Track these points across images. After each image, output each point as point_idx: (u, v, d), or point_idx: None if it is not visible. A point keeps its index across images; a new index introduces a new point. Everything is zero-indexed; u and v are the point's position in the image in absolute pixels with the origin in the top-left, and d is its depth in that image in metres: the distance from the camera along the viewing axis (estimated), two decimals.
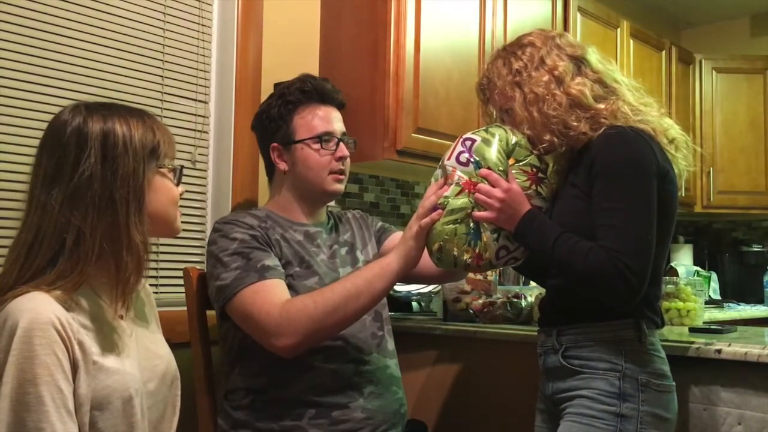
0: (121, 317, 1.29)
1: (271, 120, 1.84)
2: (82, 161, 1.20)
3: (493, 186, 1.50)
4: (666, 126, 1.55)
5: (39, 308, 1.12)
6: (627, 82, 1.59)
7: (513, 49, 1.61)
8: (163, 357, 1.37)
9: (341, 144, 1.84)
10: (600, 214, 1.44)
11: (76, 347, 1.15)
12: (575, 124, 1.49)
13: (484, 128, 1.60)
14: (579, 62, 1.56)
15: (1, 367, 1.10)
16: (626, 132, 1.47)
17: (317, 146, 1.81)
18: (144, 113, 1.32)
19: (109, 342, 1.23)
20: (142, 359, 1.30)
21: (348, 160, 1.86)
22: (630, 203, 1.42)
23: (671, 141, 1.55)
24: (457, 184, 1.53)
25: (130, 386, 1.22)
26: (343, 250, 1.88)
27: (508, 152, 1.55)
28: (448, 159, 1.57)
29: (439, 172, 1.60)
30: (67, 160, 1.21)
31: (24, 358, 1.09)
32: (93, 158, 1.20)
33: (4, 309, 1.13)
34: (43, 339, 1.11)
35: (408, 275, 1.65)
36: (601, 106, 1.50)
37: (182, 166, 1.37)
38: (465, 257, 1.53)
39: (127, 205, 1.22)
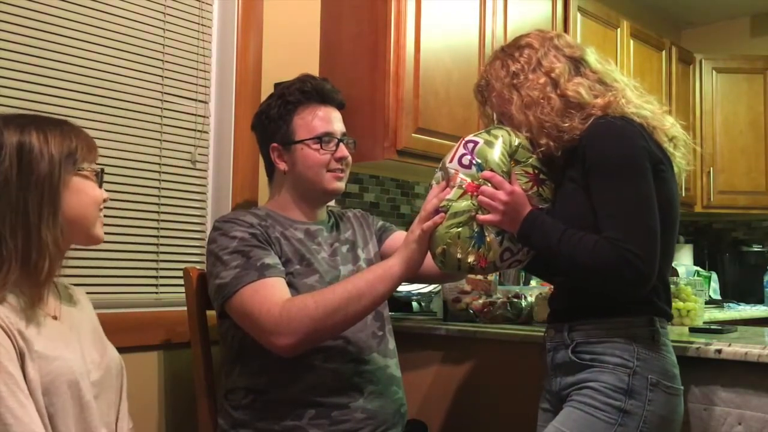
0: (56, 318, 1.33)
1: (271, 120, 1.84)
2: None
3: (497, 188, 1.50)
4: (667, 124, 1.55)
5: None
6: (627, 82, 1.59)
7: (511, 50, 1.60)
8: (103, 350, 1.41)
9: (341, 144, 1.83)
10: (599, 206, 1.44)
11: (18, 336, 1.19)
12: (567, 125, 1.49)
13: (485, 130, 1.59)
14: (577, 63, 1.56)
15: None
16: (614, 121, 1.47)
17: (317, 146, 1.81)
18: (63, 123, 1.36)
19: (45, 335, 1.26)
20: (85, 353, 1.34)
21: (349, 159, 1.86)
22: (627, 191, 1.42)
23: (671, 139, 1.55)
24: (460, 186, 1.53)
25: (74, 370, 1.26)
26: (344, 248, 1.88)
27: (511, 153, 1.54)
28: (450, 162, 1.56)
29: (439, 174, 1.59)
30: None
31: None
32: (8, 163, 1.25)
33: None
34: None
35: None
36: (597, 101, 1.50)
37: (103, 169, 1.40)
38: (469, 260, 1.52)
39: (40, 206, 1.26)
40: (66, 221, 1.30)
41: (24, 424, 1.15)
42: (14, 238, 1.24)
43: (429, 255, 1.59)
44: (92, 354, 1.36)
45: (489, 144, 1.54)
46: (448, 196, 1.53)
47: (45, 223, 1.26)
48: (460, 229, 1.52)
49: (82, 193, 1.34)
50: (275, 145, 1.84)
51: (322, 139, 1.81)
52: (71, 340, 1.33)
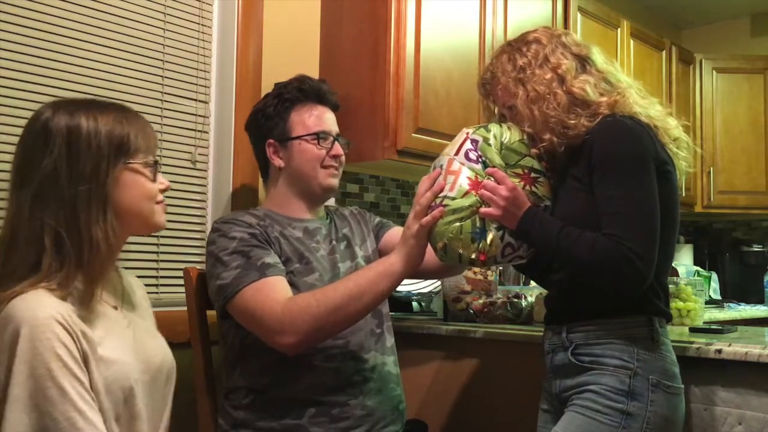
0: (116, 308, 1.29)
1: (268, 117, 1.86)
2: (46, 157, 1.20)
3: (499, 183, 1.51)
4: (671, 125, 1.56)
5: (39, 306, 1.12)
6: (630, 83, 1.59)
7: (518, 45, 1.61)
8: (160, 350, 1.36)
9: (336, 143, 1.86)
10: (602, 203, 1.44)
11: (82, 338, 1.14)
12: (573, 122, 1.49)
13: (483, 127, 1.59)
14: (584, 61, 1.57)
15: (4, 370, 1.08)
16: (622, 120, 1.48)
17: (314, 142, 1.83)
18: (118, 107, 1.29)
19: (106, 333, 1.22)
20: (139, 351, 1.29)
21: (342, 158, 1.88)
22: (631, 190, 1.43)
23: (674, 140, 1.56)
24: (461, 186, 1.53)
25: (130, 376, 1.22)
26: (342, 245, 1.89)
27: (503, 153, 1.55)
28: (456, 154, 1.57)
29: (439, 162, 1.59)
30: (34, 156, 1.21)
31: (34, 357, 1.08)
32: (56, 154, 1.19)
33: (2, 312, 1.12)
34: (49, 334, 1.10)
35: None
36: (603, 99, 1.51)
37: (156, 161, 1.32)
38: (470, 255, 1.53)
39: (89, 201, 1.20)
40: (118, 215, 1.24)
41: (97, 429, 1.12)
42: (73, 234, 1.18)
43: (428, 251, 1.59)
44: (146, 352, 1.31)
45: (487, 141, 1.56)
46: (450, 194, 1.53)
47: (94, 220, 1.20)
48: (462, 224, 1.52)
49: (133, 188, 1.27)
50: (271, 141, 1.86)
51: (319, 135, 1.83)
52: (128, 336, 1.28)
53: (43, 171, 1.19)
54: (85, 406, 1.11)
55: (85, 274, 1.21)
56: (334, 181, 1.87)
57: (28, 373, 1.08)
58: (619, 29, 3.55)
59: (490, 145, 1.55)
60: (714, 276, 4.01)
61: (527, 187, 1.54)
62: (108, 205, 1.22)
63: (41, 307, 1.12)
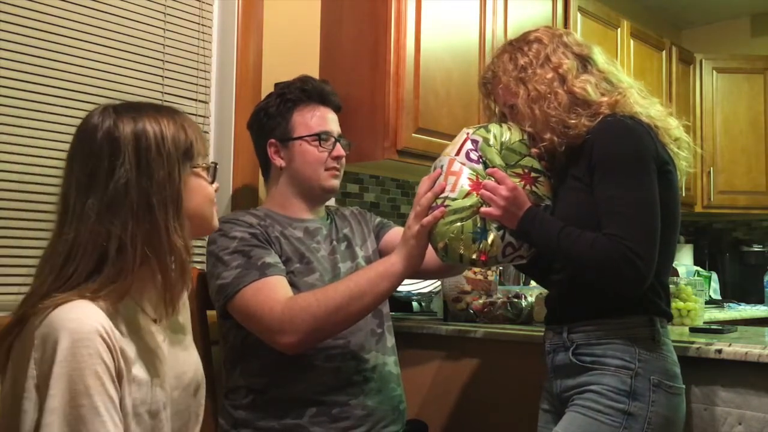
0: (155, 321, 1.25)
1: (270, 117, 1.86)
2: (117, 168, 1.15)
3: (499, 183, 1.51)
4: (672, 125, 1.56)
5: (83, 317, 1.08)
6: (632, 83, 1.59)
7: (519, 44, 1.61)
8: (192, 365, 1.33)
9: (338, 144, 1.86)
10: (602, 203, 1.44)
11: (120, 356, 1.12)
12: (574, 121, 1.49)
13: (483, 127, 1.60)
14: (585, 61, 1.57)
15: (44, 379, 1.05)
16: (623, 119, 1.48)
17: (316, 144, 1.83)
18: (174, 111, 1.27)
19: (143, 351, 1.19)
20: (170, 366, 1.26)
21: (343, 160, 1.88)
22: (631, 190, 1.43)
23: (675, 140, 1.56)
24: (462, 187, 1.53)
25: (159, 399, 1.19)
26: (342, 246, 1.89)
27: (503, 154, 1.55)
28: (457, 154, 1.57)
29: (440, 162, 1.60)
30: (101, 166, 1.16)
31: (73, 370, 1.05)
32: (128, 164, 1.15)
33: (46, 319, 1.08)
34: (91, 348, 1.07)
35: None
36: (604, 99, 1.51)
37: (215, 163, 1.31)
38: (472, 255, 1.53)
39: (165, 209, 1.17)
40: (187, 220, 1.21)
41: None
42: (136, 245, 1.14)
43: (429, 251, 1.59)
44: (178, 367, 1.28)
45: (487, 141, 1.56)
46: (452, 195, 1.53)
47: (172, 226, 1.17)
48: (462, 224, 1.52)
49: (197, 192, 1.25)
50: (273, 140, 1.86)
51: (321, 136, 1.83)
52: (162, 353, 1.24)
53: (115, 181, 1.15)
54: (113, 428, 1.08)
55: (166, 285, 1.18)
56: (336, 182, 1.87)
57: (66, 387, 1.05)
58: (619, 29, 3.55)
59: (490, 145, 1.55)
60: (714, 276, 4.01)
61: (528, 187, 1.54)
62: (182, 211, 1.19)
63: (85, 319, 1.08)
